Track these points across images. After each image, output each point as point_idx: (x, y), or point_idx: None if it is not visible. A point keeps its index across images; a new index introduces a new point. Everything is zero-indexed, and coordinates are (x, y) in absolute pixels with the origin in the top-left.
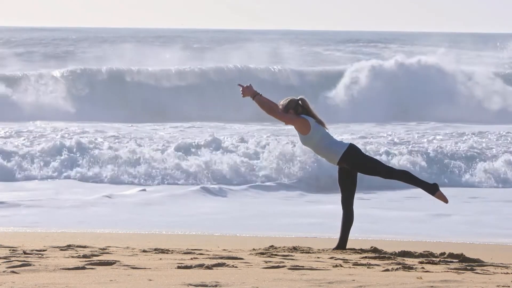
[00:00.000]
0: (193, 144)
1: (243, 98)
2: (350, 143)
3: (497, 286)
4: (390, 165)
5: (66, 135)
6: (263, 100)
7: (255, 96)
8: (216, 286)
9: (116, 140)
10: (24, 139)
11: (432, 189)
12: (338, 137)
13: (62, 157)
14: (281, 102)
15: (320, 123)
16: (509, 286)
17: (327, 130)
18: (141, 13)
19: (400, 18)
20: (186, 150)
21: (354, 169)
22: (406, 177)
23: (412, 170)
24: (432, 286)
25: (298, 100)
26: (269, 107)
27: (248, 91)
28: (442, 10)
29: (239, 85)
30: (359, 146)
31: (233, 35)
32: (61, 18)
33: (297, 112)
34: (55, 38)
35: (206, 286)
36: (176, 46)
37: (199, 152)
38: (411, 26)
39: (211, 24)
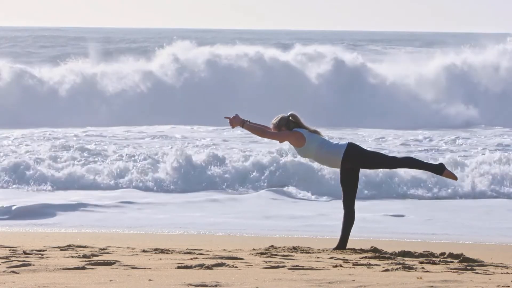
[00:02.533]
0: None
1: (233, 129)
2: (349, 142)
3: (497, 286)
4: (392, 155)
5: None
6: (253, 126)
7: (244, 124)
8: (216, 286)
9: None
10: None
11: (439, 169)
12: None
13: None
14: (272, 122)
15: (315, 132)
16: (509, 286)
17: (323, 137)
18: (140, 14)
19: (401, 18)
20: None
21: (358, 167)
22: (411, 163)
23: None
24: (432, 286)
25: (289, 116)
26: (260, 131)
27: (236, 121)
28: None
29: (226, 117)
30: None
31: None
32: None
33: (289, 128)
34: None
35: (206, 286)
36: None
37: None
38: (411, 26)
39: (211, 24)
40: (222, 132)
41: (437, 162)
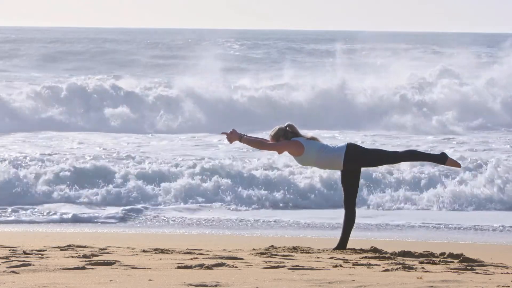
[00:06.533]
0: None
1: (231, 144)
2: (348, 143)
3: (497, 286)
4: (392, 150)
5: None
6: (250, 139)
7: (242, 138)
8: (216, 286)
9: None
10: None
11: (442, 159)
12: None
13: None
14: (270, 133)
15: (312, 139)
16: (509, 286)
17: (320, 142)
18: (140, 13)
19: (403, 17)
20: None
21: (361, 166)
22: (413, 156)
23: None
24: (432, 286)
25: (286, 127)
26: (258, 143)
27: (234, 136)
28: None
29: (223, 133)
30: None
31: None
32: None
33: (287, 138)
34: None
35: (206, 286)
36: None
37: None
38: (413, 26)
39: (212, 23)
40: None
41: (438, 152)
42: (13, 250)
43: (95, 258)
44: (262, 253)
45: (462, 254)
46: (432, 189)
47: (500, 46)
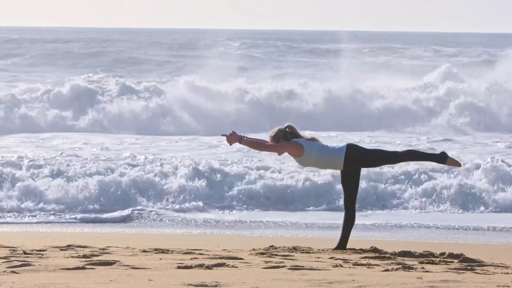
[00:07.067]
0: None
1: (231, 146)
2: (347, 143)
3: (497, 286)
4: (392, 150)
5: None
6: (250, 141)
7: (241, 139)
8: (216, 286)
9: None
10: None
11: (442, 158)
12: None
13: None
14: (270, 134)
15: (312, 139)
16: (509, 286)
17: (320, 143)
18: (140, 13)
19: (403, 17)
20: None
21: (361, 166)
22: (414, 156)
23: None
24: (432, 286)
25: (285, 128)
26: (258, 144)
27: (233, 138)
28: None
29: (223, 135)
30: None
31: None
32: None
33: (287, 139)
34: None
35: (206, 286)
36: None
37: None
38: (413, 26)
39: (212, 23)
40: None
41: (438, 152)
42: (13, 250)
43: (95, 258)
44: (262, 253)
45: (462, 254)
46: (432, 189)
47: (500, 46)
